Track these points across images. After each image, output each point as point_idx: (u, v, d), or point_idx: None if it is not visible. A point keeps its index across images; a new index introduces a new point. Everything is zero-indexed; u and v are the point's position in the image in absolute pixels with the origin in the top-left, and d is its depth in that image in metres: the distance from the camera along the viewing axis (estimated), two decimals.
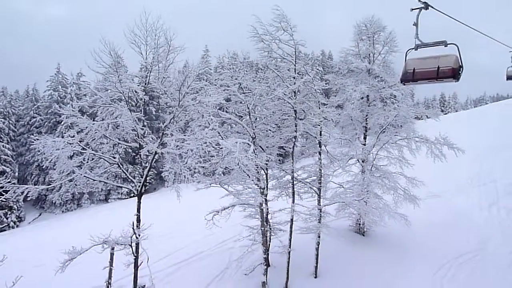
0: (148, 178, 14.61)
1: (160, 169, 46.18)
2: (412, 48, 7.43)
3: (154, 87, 14.30)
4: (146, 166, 13.69)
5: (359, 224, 20.53)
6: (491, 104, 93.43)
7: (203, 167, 17.20)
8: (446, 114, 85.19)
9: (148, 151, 13.26)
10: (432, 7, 6.88)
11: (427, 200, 21.89)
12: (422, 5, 6.79)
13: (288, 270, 15.81)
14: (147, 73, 13.60)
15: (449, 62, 7.13)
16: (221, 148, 13.24)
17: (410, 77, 7.55)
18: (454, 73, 7.08)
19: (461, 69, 7.25)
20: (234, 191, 15.68)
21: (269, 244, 16.79)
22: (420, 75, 7.44)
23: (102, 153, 13.18)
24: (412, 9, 7.04)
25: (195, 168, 43.72)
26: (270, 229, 17.01)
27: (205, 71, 54.55)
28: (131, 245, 12.06)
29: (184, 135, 13.69)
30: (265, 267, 15.57)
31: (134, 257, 12.40)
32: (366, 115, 19.72)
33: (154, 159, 13.60)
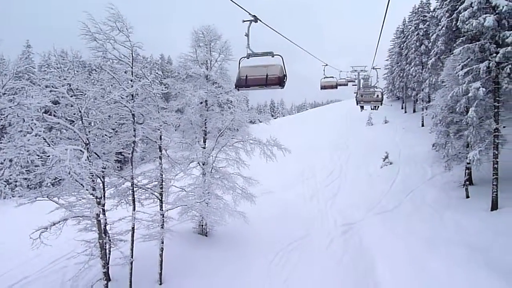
0: None
1: None
2: (245, 57, 8.09)
3: None
4: None
5: (202, 226, 21.07)
6: (310, 110, 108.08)
7: (26, 178, 14.93)
8: (275, 118, 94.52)
9: None
10: (260, 20, 7.62)
11: (262, 197, 23.91)
12: (252, 18, 7.46)
13: (131, 282, 15.11)
14: None
15: (276, 71, 8.04)
16: (48, 157, 11.75)
17: (243, 83, 8.19)
18: (280, 81, 8.01)
19: (285, 77, 8.25)
20: (66, 203, 14.13)
21: (109, 257, 15.73)
22: (251, 82, 8.14)
23: None
24: (244, 21, 7.68)
25: (16, 181, 37.77)
26: (110, 240, 15.95)
27: (27, 69, 47.66)
28: None
29: (0, 143, 11.69)
30: (105, 282, 14.54)
31: None
32: (205, 119, 20.42)
33: None
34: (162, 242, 16.23)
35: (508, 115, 21.64)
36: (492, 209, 18.50)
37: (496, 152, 18.83)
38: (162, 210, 16.46)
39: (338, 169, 35.53)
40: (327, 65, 19.44)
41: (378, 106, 19.87)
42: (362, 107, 20.77)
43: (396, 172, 30.64)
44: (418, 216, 21.13)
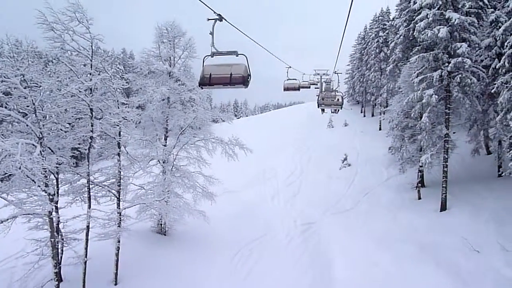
0: None
1: None
2: (209, 55, 8.07)
3: None
4: None
5: (161, 225, 20.73)
6: (273, 111, 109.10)
7: None
8: (239, 118, 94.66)
9: None
10: (225, 19, 7.64)
11: (222, 196, 23.88)
12: (217, 17, 7.47)
13: (84, 282, 14.63)
14: None
15: (240, 70, 8.07)
16: None
17: (207, 81, 8.17)
18: (244, 80, 8.05)
19: (249, 77, 8.31)
20: (16, 200, 13.44)
21: (61, 257, 15.15)
22: (215, 80, 8.14)
23: None
24: (209, 19, 7.67)
25: None
26: (63, 239, 15.37)
27: None
28: None
29: None
30: (57, 282, 14.00)
31: None
32: (167, 117, 20.11)
33: None
34: (119, 241, 15.83)
35: (458, 121, 22.97)
36: (441, 210, 19.52)
37: (446, 156, 19.90)
38: (120, 208, 16.05)
39: (299, 170, 36.12)
40: (290, 67, 19.74)
41: (338, 110, 20.39)
42: (323, 110, 21.25)
43: (354, 174, 31.60)
44: (374, 216, 21.92)
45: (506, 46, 16.26)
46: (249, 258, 18.68)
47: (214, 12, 7.38)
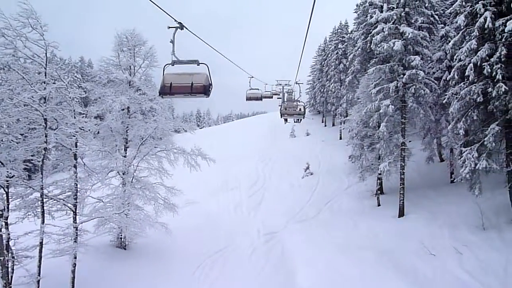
0: None
1: None
2: (169, 64, 7.94)
3: None
4: None
5: (121, 238, 20.00)
6: (236, 121, 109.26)
7: None
8: (201, 128, 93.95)
9: None
10: (186, 28, 7.56)
11: (185, 207, 23.48)
12: (178, 25, 7.38)
13: None
14: None
15: (201, 80, 7.99)
16: None
17: (167, 90, 8.02)
18: (205, 90, 7.98)
19: (211, 86, 8.24)
20: None
21: (11, 276, 14.19)
22: (176, 89, 8.01)
23: None
24: (169, 27, 7.56)
25: None
26: (13, 257, 14.42)
27: None
28: None
29: None
30: None
31: None
32: (127, 127, 19.59)
33: None
34: (75, 258, 15.08)
35: (413, 130, 23.99)
36: (399, 216, 20.21)
37: (403, 164, 20.69)
38: (76, 223, 15.34)
39: (262, 180, 36.23)
40: (252, 77, 19.84)
41: (300, 119, 20.69)
42: (286, 120, 21.48)
43: (316, 182, 32.10)
44: (335, 223, 22.31)
45: (455, 59, 17.20)
46: (212, 270, 18.40)
47: (175, 20, 7.29)
